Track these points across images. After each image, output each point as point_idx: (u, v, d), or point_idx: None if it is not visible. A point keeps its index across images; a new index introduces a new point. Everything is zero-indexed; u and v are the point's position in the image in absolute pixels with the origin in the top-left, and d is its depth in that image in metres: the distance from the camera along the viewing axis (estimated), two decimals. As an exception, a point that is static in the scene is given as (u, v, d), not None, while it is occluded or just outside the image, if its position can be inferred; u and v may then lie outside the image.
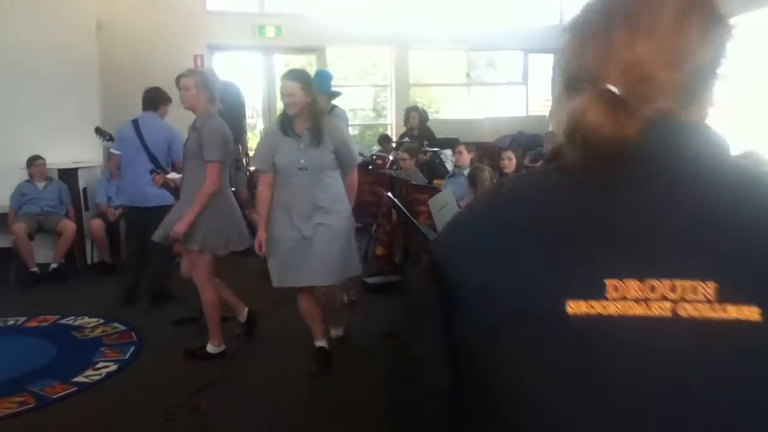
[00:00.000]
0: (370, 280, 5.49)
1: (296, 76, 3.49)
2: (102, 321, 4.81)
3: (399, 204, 4.30)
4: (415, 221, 4.17)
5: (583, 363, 0.68)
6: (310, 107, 3.50)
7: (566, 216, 0.74)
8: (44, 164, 6.25)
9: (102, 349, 4.26)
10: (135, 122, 5.13)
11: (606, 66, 0.73)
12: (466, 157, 5.69)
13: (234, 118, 5.85)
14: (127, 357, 4.12)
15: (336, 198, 3.60)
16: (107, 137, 5.47)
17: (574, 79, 0.77)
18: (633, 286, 0.68)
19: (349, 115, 6.77)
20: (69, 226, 6.11)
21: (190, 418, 3.24)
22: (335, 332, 4.20)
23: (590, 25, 0.76)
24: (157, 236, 3.97)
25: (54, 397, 3.54)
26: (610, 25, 0.74)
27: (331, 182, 3.58)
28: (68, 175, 6.49)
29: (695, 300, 0.66)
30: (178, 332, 4.49)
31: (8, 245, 6.17)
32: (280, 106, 9.91)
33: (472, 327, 0.76)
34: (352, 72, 10.40)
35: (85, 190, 6.62)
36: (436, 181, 6.49)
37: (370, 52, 10.38)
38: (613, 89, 0.71)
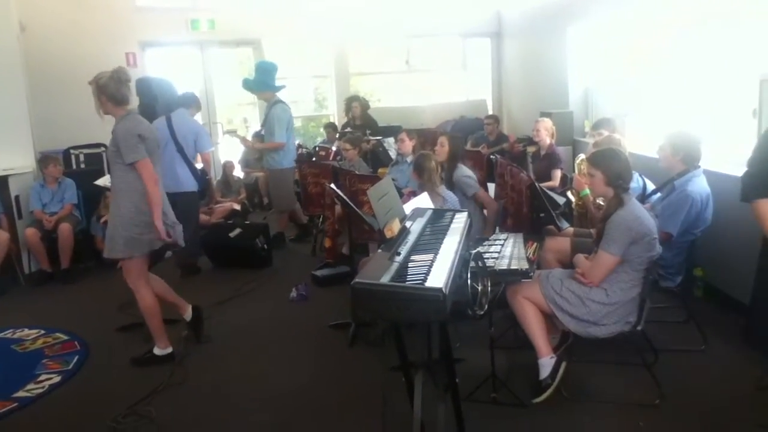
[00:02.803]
0: (319, 273, 5.48)
1: None
2: (43, 332, 4.66)
3: (342, 195, 4.29)
4: (358, 211, 4.17)
5: None
6: None
7: None
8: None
9: (44, 360, 4.13)
10: (168, 118, 5.68)
11: None
12: (409, 145, 5.71)
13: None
14: (71, 367, 4.00)
15: None
16: None
17: None
18: None
19: (291, 107, 6.66)
20: (2, 236, 5.87)
21: (138, 425, 3.18)
22: None
23: None
24: (106, 253, 3.77)
25: (-7, 415, 3.41)
26: None
27: None
28: (-2, 183, 6.22)
29: None
30: (124, 339, 4.39)
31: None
32: (219, 101, 9.84)
33: None
34: (291, 63, 10.25)
35: (17, 197, 6.36)
36: (380, 170, 6.50)
37: (308, 43, 10.26)
38: None
